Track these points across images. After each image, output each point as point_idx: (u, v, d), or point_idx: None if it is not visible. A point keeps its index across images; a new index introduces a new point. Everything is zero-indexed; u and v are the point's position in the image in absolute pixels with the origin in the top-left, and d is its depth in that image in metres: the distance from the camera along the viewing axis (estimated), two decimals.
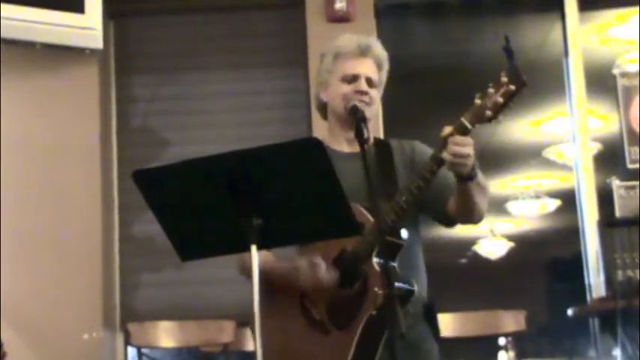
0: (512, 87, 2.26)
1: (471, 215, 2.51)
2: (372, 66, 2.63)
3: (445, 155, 2.30)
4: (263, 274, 2.39)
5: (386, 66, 2.68)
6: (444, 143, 2.31)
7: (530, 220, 7.42)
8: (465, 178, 2.36)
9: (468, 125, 2.30)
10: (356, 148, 2.48)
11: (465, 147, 2.29)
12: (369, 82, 2.61)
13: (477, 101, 2.30)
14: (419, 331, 2.54)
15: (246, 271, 2.40)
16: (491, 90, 2.28)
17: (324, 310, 2.48)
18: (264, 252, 2.47)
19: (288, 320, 2.52)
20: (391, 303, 2.09)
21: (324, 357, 2.44)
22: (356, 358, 2.40)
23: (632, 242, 4.31)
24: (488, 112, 2.28)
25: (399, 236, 2.45)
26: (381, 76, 2.66)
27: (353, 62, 2.63)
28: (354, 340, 2.40)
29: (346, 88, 2.61)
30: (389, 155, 2.64)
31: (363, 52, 2.63)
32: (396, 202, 2.41)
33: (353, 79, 2.61)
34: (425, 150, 2.60)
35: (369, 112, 2.56)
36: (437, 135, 2.38)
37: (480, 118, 2.30)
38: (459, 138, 2.29)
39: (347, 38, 2.68)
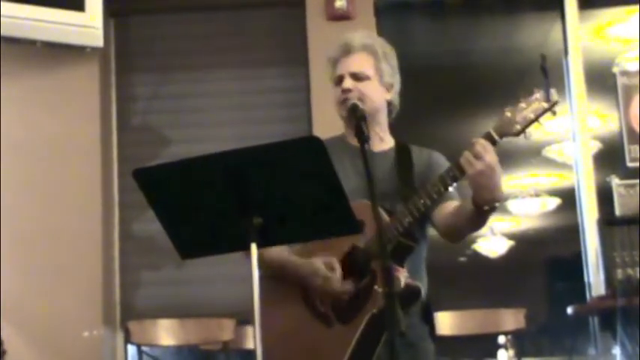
0: (545, 104, 2.28)
1: (454, 236, 2.54)
2: (359, 60, 2.62)
3: (466, 154, 2.29)
4: (277, 267, 2.48)
5: (385, 51, 2.65)
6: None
7: (530, 219, 7.41)
8: (482, 205, 2.32)
9: (496, 137, 2.31)
10: (380, 147, 2.56)
11: (487, 153, 2.27)
12: (355, 76, 2.60)
13: (507, 114, 2.32)
14: (416, 330, 2.56)
15: (263, 267, 2.44)
16: (522, 104, 2.30)
17: (329, 303, 2.50)
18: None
19: (291, 310, 2.53)
20: (391, 302, 2.09)
21: (324, 349, 2.46)
22: (355, 353, 2.42)
23: (632, 241, 4.31)
24: (517, 127, 2.31)
25: (412, 238, 2.46)
26: (378, 65, 2.63)
27: (339, 64, 2.64)
28: (355, 336, 2.42)
29: (337, 91, 2.62)
30: (409, 159, 2.64)
31: (347, 50, 2.64)
32: (413, 204, 2.41)
33: (340, 80, 2.63)
34: (442, 161, 2.60)
35: (363, 107, 2.54)
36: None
37: (508, 132, 2.32)
38: (485, 142, 2.29)
39: (336, 42, 2.68)
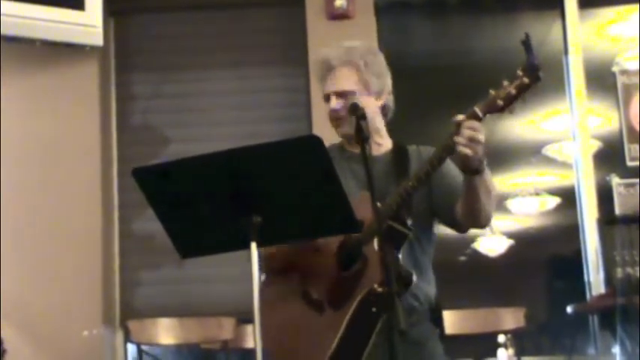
0: (526, 80, 2.29)
1: (477, 217, 2.51)
2: (341, 77, 2.61)
3: (459, 139, 2.30)
4: (265, 258, 2.48)
5: (366, 61, 2.62)
6: (456, 129, 2.32)
7: (529, 218, 7.41)
8: (472, 171, 2.37)
9: (480, 114, 2.33)
10: (378, 151, 2.58)
11: (477, 132, 2.30)
12: (340, 95, 2.60)
13: (491, 92, 2.34)
14: (423, 330, 2.57)
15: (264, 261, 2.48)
16: (505, 82, 2.33)
17: (322, 290, 2.52)
18: None
19: (288, 305, 2.55)
20: (391, 299, 2.09)
21: (316, 335, 2.47)
22: (345, 338, 2.43)
23: (632, 240, 4.32)
24: (500, 102, 2.32)
25: (404, 224, 2.47)
26: (362, 77, 2.61)
27: (324, 82, 2.65)
28: (344, 321, 2.43)
29: (328, 108, 2.64)
30: (405, 161, 2.65)
31: (328, 67, 2.64)
32: (402, 187, 2.43)
33: (327, 99, 2.64)
34: None
35: (345, 128, 2.58)
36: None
37: (492, 108, 2.33)
38: (474, 122, 2.31)
39: (316, 61, 2.68)
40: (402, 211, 2.46)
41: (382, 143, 2.69)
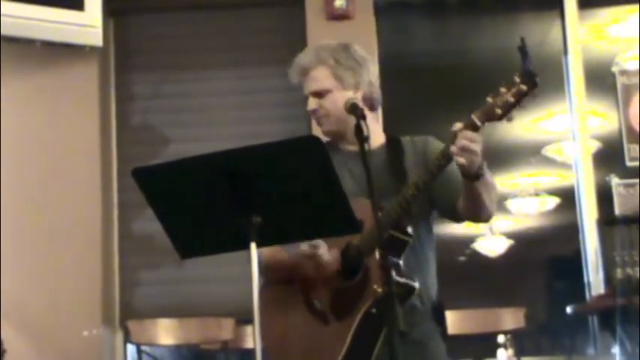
0: (524, 87, 2.29)
1: (478, 214, 2.51)
2: (315, 77, 2.64)
3: (452, 148, 2.31)
4: (268, 266, 2.50)
5: (335, 57, 2.63)
6: (453, 138, 2.32)
7: (529, 218, 7.41)
8: (472, 177, 2.37)
9: (478, 122, 2.32)
10: (371, 145, 2.52)
11: (473, 142, 2.30)
12: (317, 94, 2.64)
13: (489, 100, 2.34)
14: (425, 330, 2.57)
15: (263, 271, 2.47)
16: (503, 89, 2.32)
17: (326, 301, 2.51)
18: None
19: (290, 310, 2.54)
20: (390, 300, 2.09)
21: (321, 347, 2.47)
22: (351, 349, 2.43)
23: (632, 240, 4.32)
24: (498, 111, 2.32)
25: (404, 232, 2.46)
26: (335, 73, 2.62)
27: (303, 86, 2.68)
28: (350, 332, 2.43)
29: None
30: (400, 153, 2.64)
31: (303, 71, 2.66)
32: (401, 196, 2.43)
33: (306, 100, 2.68)
34: (438, 145, 2.58)
35: (327, 125, 2.65)
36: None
37: (490, 116, 2.33)
38: (469, 133, 2.31)
39: (291, 69, 2.70)
40: (403, 219, 2.46)
41: (374, 138, 2.63)
